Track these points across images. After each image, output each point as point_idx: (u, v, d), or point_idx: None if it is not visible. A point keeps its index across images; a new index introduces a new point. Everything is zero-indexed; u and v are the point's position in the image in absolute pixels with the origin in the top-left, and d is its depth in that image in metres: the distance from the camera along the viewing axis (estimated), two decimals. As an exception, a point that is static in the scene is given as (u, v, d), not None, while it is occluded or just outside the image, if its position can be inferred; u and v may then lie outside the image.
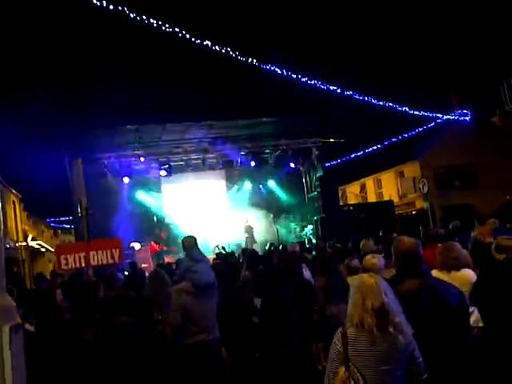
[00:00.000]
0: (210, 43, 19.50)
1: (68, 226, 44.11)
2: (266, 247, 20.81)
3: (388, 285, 4.17)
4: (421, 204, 33.53)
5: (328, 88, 24.22)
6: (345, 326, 4.15)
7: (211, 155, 26.94)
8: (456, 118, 34.26)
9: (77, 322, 6.18)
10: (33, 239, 35.87)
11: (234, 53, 20.36)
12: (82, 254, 10.77)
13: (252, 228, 26.11)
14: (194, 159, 26.94)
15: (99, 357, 5.59)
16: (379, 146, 35.49)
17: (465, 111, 34.73)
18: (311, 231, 27.36)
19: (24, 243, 33.94)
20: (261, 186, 30.29)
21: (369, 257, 6.52)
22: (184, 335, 6.83)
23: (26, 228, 36.63)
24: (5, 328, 2.86)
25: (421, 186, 31.59)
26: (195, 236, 7.69)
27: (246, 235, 25.90)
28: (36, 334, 6.32)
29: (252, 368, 7.48)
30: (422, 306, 4.47)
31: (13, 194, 33.57)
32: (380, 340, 3.96)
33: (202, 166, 27.05)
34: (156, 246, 24.90)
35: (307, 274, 9.96)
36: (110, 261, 10.98)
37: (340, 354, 4.09)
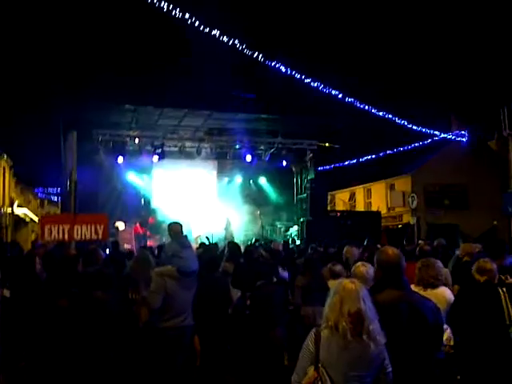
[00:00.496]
0: (218, 33, 19.43)
1: (55, 200, 43.82)
2: (251, 242, 20.87)
3: (367, 292, 4.19)
4: (408, 218, 33.52)
5: (330, 92, 24.21)
6: (319, 327, 4.16)
7: (206, 145, 26.91)
8: (453, 137, 34.29)
9: (52, 293, 6.18)
10: (19, 206, 35.61)
11: (241, 45, 20.30)
12: (67, 227, 10.64)
13: (230, 223, 25.98)
14: (188, 147, 26.87)
15: (72, 324, 5.60)
16: (373, 156, 35.56)
17: (462, 132, 34.73)
18: (296, 232, 27.44)
19: (9, 210, 33.72)
20: (251, 182, 30.35)
21: (359, 264, 6.46)
22: (158, 319, 6.82)
23: (13, 195, 36.40)
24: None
25: (410, 200, 31.67)
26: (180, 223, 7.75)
27: (225, 228, 25.70)
28: (11, 299, 6.30)
29: (222, 359, 7.50)
30: (398, 317, 4.48)
31: (4, 159, 33.32)
32: (352, 345, 3.98)
33: (196, 155, 26.96)
34: (140, 229, 24.83)
35: (284, 273, 9.96)
36: (94, 236, 10.87)
37: (311, 354, 4.11)
